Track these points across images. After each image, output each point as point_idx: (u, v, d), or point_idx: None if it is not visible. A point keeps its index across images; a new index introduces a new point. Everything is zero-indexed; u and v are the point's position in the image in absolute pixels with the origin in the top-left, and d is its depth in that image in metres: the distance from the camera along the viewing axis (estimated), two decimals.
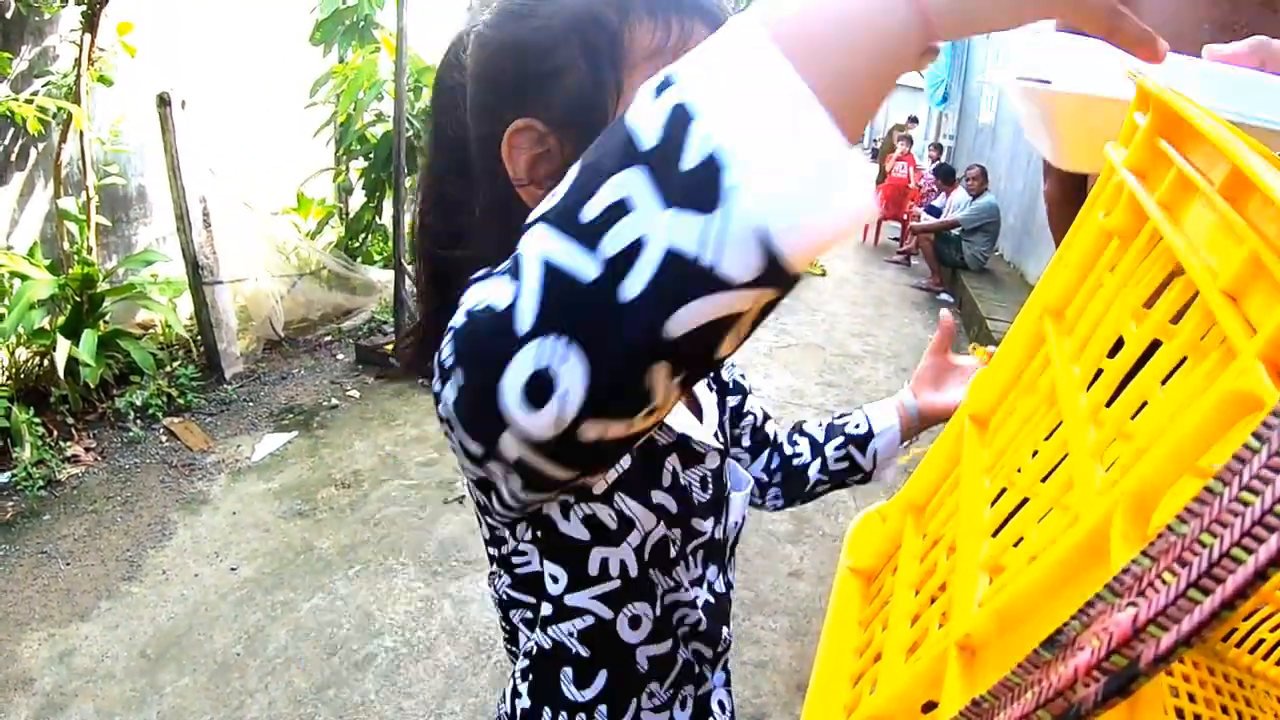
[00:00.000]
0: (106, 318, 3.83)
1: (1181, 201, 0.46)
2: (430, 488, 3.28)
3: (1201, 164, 0.46)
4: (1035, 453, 0.54)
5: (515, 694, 0.82)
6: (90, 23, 3.72)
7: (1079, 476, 0.44)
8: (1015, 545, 0.51)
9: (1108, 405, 0.49)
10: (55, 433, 3.40)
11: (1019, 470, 0.54)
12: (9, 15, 3.73)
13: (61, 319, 3.59)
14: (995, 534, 0.52)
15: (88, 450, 3.41)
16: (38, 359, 3.52)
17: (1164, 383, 0.46)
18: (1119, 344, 0.49)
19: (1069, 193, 1.56)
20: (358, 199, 5.24)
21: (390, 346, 4.44)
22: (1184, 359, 0.44)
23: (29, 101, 3.47)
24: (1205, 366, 0.40)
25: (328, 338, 4.81)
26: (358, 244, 5.17)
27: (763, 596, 2.79)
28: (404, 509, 3.12)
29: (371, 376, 4.35)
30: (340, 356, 4.60)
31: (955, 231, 7.93)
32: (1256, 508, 0.27)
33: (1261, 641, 0.83)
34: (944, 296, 7.78)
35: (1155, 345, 0.48)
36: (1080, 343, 0.53)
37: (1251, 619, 0.83)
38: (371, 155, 4.94)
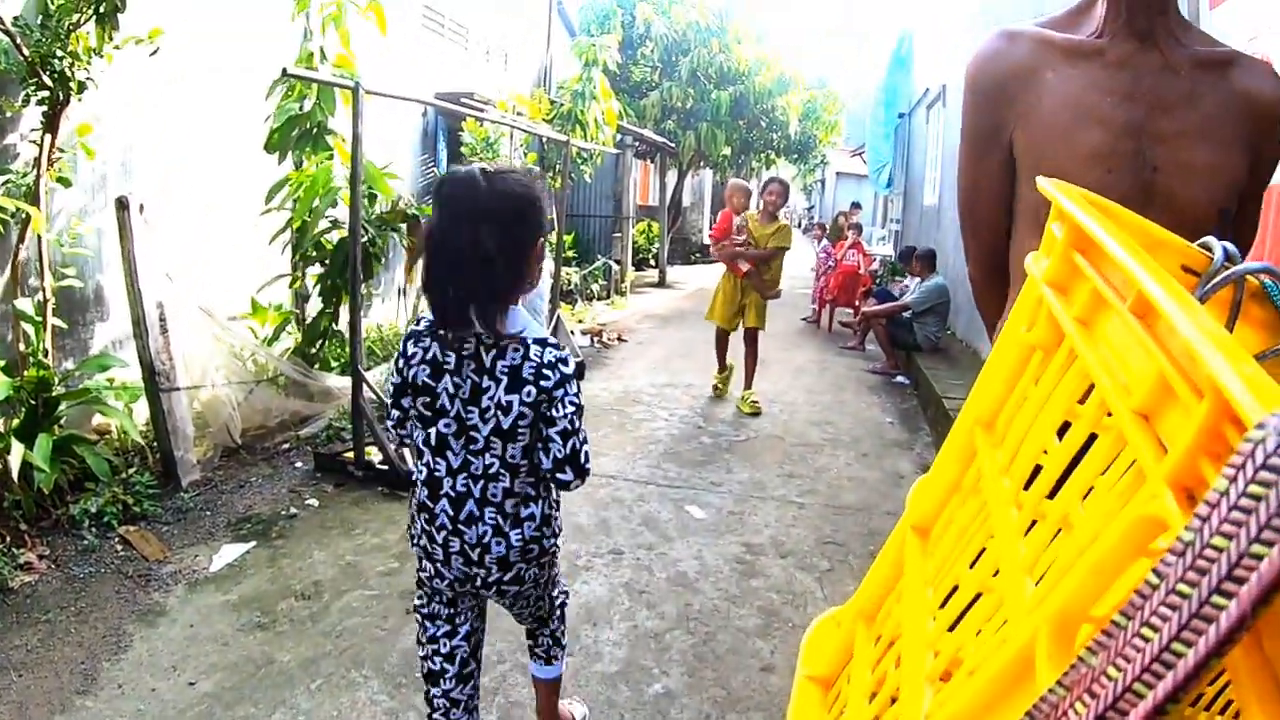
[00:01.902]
0: (62, 422, 3.78)
1: (1097, 316, 0.49)
2: (392, 598, 3.23)
3: (1116, 279, 0.49)
4: (974, 563, 0.55)
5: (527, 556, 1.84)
6: (51, 123, 3.76)
7: (1009, 593, 0.46)
8: (957, 656, 0.53)
9: (1034, 523, 0.52)
10: (8, 539, 3.32)
11: (955, 588, 0.55)
12: None
13: (16, 422, 3.54)
14: (938, 647, 0.54)
15: (41, 558, 3.33)
16: None
17: (1084, 498, 0.48)
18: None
19: (989, 274, 1.62)
20: (315, 305, 5.24)
21: (350, 454, 4.40)
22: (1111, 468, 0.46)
23: None
24: (1119, 487, 0.42)
25: (285, 445, 4.76)
26: (315, 350, 5.15)
27: (735, 694, 2.75)
28: (366, 620, 3.06)
29: (330, 485, 4.30)
30: (298, 464, 4.55)
31: (907, 315, 8.11)
32: (1155, 644, 0.29)
33: (1200, 695, 0.84)
34: (900, 379, 7.90)
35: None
36: (1010, 455, 0.55)
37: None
38: (328, 261, 4.97)
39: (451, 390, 1.73)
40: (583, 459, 1.75)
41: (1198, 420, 0.35)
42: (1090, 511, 0.46)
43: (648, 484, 4.55)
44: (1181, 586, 0.30)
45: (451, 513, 1.77)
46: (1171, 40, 1.33)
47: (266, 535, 3.71)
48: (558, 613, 2.25)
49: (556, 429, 1.72)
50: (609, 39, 11.44)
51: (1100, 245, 0.48)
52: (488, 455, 1.74)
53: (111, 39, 3.79)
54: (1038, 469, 0.53)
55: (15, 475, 3.29)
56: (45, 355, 3.76)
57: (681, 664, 2.90)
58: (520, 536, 1.80)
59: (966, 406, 0.62)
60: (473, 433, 1.73)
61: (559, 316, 7.34)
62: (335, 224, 5.02)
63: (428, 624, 1.95)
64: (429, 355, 1.74)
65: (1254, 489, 0.29)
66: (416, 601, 1.97)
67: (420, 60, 8.37)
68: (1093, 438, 0.49)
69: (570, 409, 1.74)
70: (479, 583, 1.83)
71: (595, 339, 8.92)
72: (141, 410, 4.20)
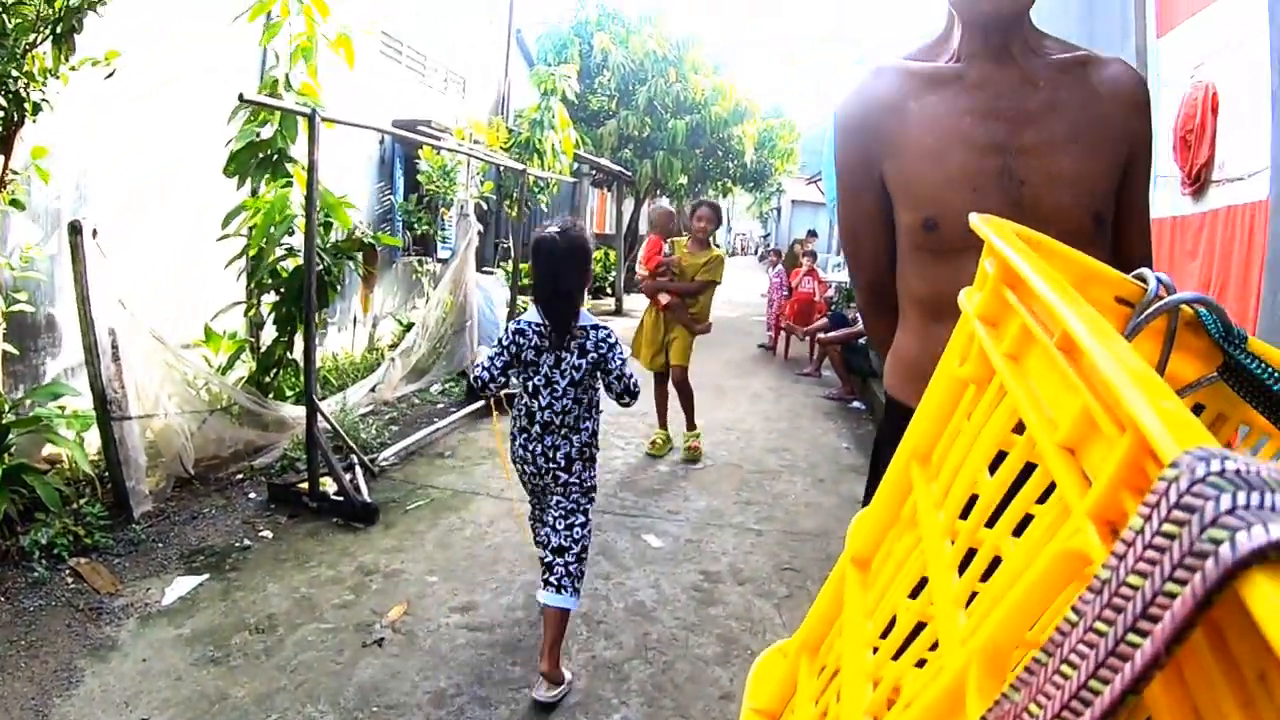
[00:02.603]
0: (11, 450, 3.70)
1: (1026, 351, 0.51)
2: (348, 631, 3.20)
3: (1044, 315, 0.51)
4: (914, 594, 0.57)
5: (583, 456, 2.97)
6: (4, 144, 3.69)
7: (942, 626, 0.48)
8: (898, 688, 0.55)
9: (968, 555, 0.54)
10: None
11: (893, 620, 0.57)
12: None
13: None
14: (879, 677, 0.56)
15: None
16: None
17: (1016, 534, 0.50)
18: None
19: (876, 301, 1.65)
20: (270, 333, 5.20)
21: (304, 485, 4.35)
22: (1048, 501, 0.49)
23: None
24: (1046, 520, 0.44)
25: (239, 475, 4.70)
26: (269, 379, 5.10)
27: None
28: (321, 654, 3.02)
29: (285, 516, 4.25)
30: (252, 495, 4.49)
31: (861, 340, 8.22)
32: (1073, 682, 0.31)
33: None
34: (856, 405, 7.99)
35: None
36: (944, 488, 0.57)
37: None
38: (283, 289, 4.93)
39: (546, 360, 2.89)
40: (633, 385, 2.93)
41: (1119, 455, 0.36)
42: (1020, 544, 0.48)
43: (604, 513, 4.54)
44: (1099, 624, 0.32)
45: (539, 431, 2.92)
46: (1027, 53, 1.37)
47: (220, 567, 3.66)
48: (576, 547, 2.95)
49: (614, 374, 2.90)
50: (567, 69, 11.55)
51: (1027, 281, 0.50)
52: (565, 397, 2.88)
53: (68, 60, 3.74)
54: (975, 500, 0.55)
55: None
56: None
57: (640, 694, 2.91)
58: (579, 441, 2.94)
59: (903, 440, 0.64)
60: (556, 384, 2.88)
61: None
62: (291, 252, 4.98)
63: (530, 505, 3.29)
64: (532, 342, 2.89)
65: (1168, 527, 0.30)
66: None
67: (378, 87, 8.37)
68: (1032, 467, 0.51)
69: (619, 361, 2.91)
70: (548, 475, 2.94)
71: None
72: (93, 439, 4.13)
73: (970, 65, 1.39)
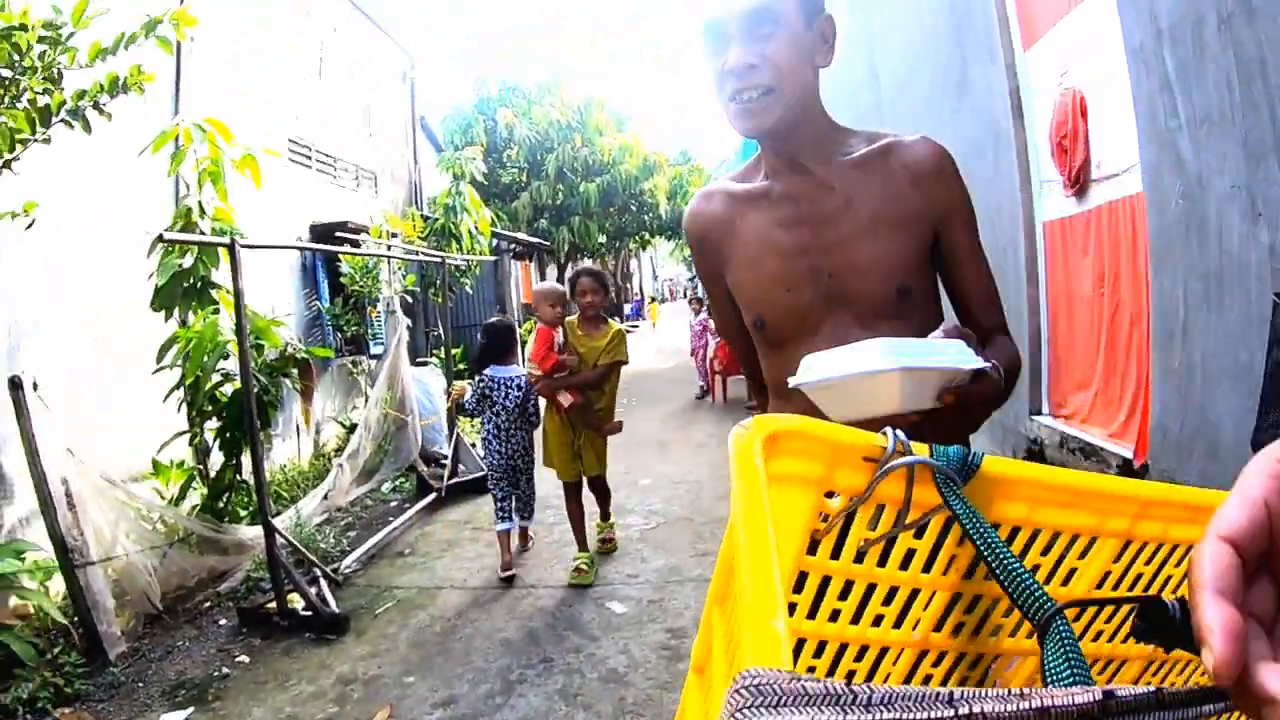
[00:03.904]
0: None
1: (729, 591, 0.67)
2: None
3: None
4: None
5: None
6: None
7: None
8: None
9: None
10: None
11: None
12: None
13: None
14: None
15: None
16: None
17: None
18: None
19: (751, 371, 1.89)
20: (216, 458, 5.29)
21: (272, 604, 4.44)
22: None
23: None
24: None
25: (207, 604, 4.77)
26: (222, 504, 5.19)
27: None
28: None
29: (258, 638, 4.33)
30: (222, 621, 4.57)
31: None
32: None
33: None
34: None
35: None
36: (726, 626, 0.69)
37: None
38: (224, 414, 5.05)
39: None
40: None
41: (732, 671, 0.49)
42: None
43: (566, 587, 4.71)
44: None
45: (502, 436, 4.93)
46: (821, 159, 1.57)
47: (203, 699, 3.74)
48: (529, 491, 5.26)
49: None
50: (472, 150, 11.85)
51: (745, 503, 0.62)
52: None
53: None
54: None
55: None
56: None
57: None
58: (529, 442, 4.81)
59: (710, 584, 0.77)
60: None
61: (458, 434, 7.45)
62: (228, 376, 5.10)
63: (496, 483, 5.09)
64: (493, 386, 4.92)
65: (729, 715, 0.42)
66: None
67: (291, 195, 8.50)
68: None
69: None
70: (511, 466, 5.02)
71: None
72: (56, 585, 4.18)
73: (775, 180, 1.62)
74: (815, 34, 1.51)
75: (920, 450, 0.76)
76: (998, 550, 0.71)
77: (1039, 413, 5.13)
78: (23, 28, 3.54)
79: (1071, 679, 0.60)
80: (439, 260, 8.16)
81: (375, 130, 11.33)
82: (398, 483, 7.43)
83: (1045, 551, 0.83)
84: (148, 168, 5.24)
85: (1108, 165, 4.01)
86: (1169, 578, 0.88)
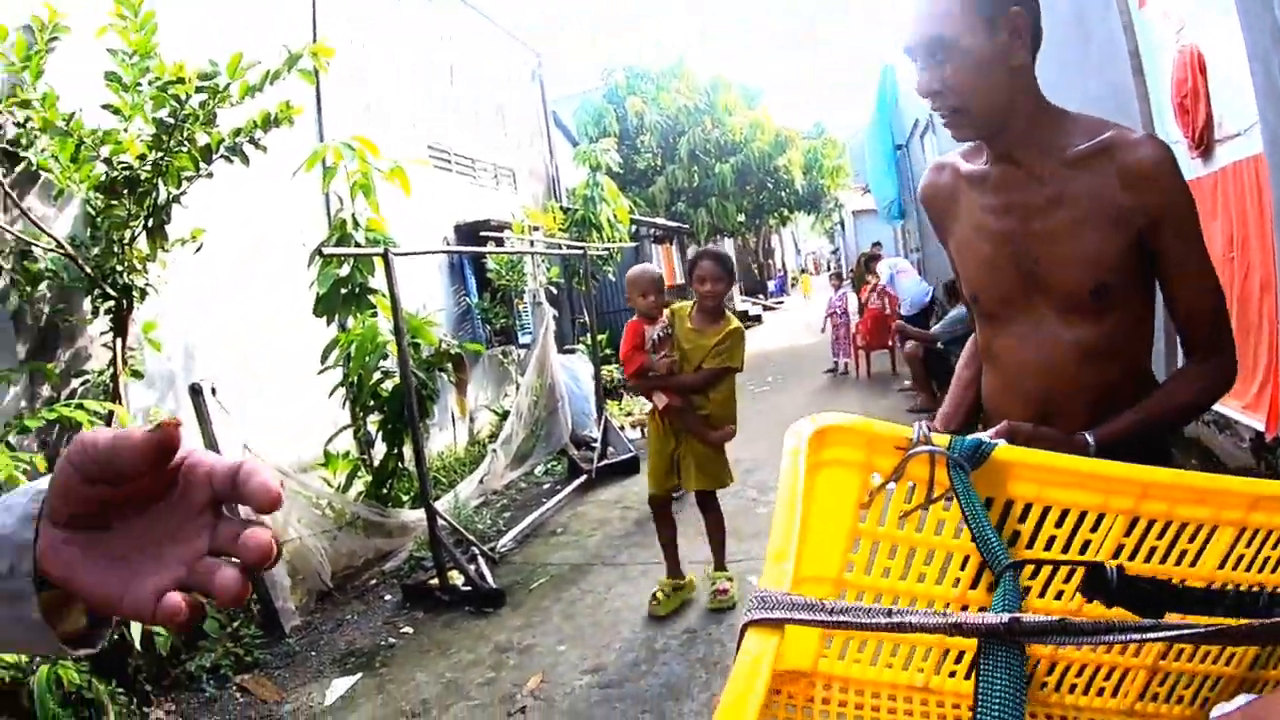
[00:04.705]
0: None
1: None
2: (493, 705, 3.53)
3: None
4: None
5: None
6: (120, 327, 4.18)
7: None
8: None
9: None
10: (135, 700, 3.65)
11: None
12: (43, 323, 4.22)
13: None
14: None
15: (169, 714, 3.68)
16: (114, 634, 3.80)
17: None
18: None
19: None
20: (379, 448, 5.63)
21: (434, 581, 4.73)
22: None
23: (80, 406, 3.79)
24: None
25: (373, 581, 5.11)
26: (385, 490, 5.52)
27: None
28: None
29: (420, 612, 4.63)
30: (387, 597, 4.89)
31: (939, 345, 8.31)
32: None
33: (1074, 686, 1.04)
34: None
35: None
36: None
37: (1059, 668, 1.04)
38: (385, 408, 5.37)
39: None
40: None
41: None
42: None
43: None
44: None
45: None
46: (1034, 153, 1.59)
47: (371, 665, 4.04)
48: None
49: None
50: (607, 142, 12.01)
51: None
52: None
53: (164, 247, 4.24)
54: None
55: (137, 641, 3.62)
56: None
57: None
58: None
59: None
60: None
61: (606, 417, 7.65)
62: (387, 374, 5.42)
63: None
64: None
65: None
66: None
67: (435, 197, 8.84)
68: None
69: None
70: None
71: (645, 431, 9.17)
72: None
73: (992, 169, 1.67)
74: (1001, 39, 1.50)
75: (940, 441, 0.93)
76: (978, 517, 0.88)
77: None
78: (180, 80, 3.90)
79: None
80: (580, 251, 8.35)
81: (510, 129, 11.65)
82: (550, 466, 7.69)
83: (1059, 524, 0.95)
84: (300, 186, 5.61)
85: (1229, 124, 3.76)
86: (1183, 552, 0.95)
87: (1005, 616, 0.70)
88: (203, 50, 4.18)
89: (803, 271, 43.30)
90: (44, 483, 0.56)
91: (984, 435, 1.21)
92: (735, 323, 4.16)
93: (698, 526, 4.41)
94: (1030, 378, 1.66)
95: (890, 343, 10.45)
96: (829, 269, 40.94)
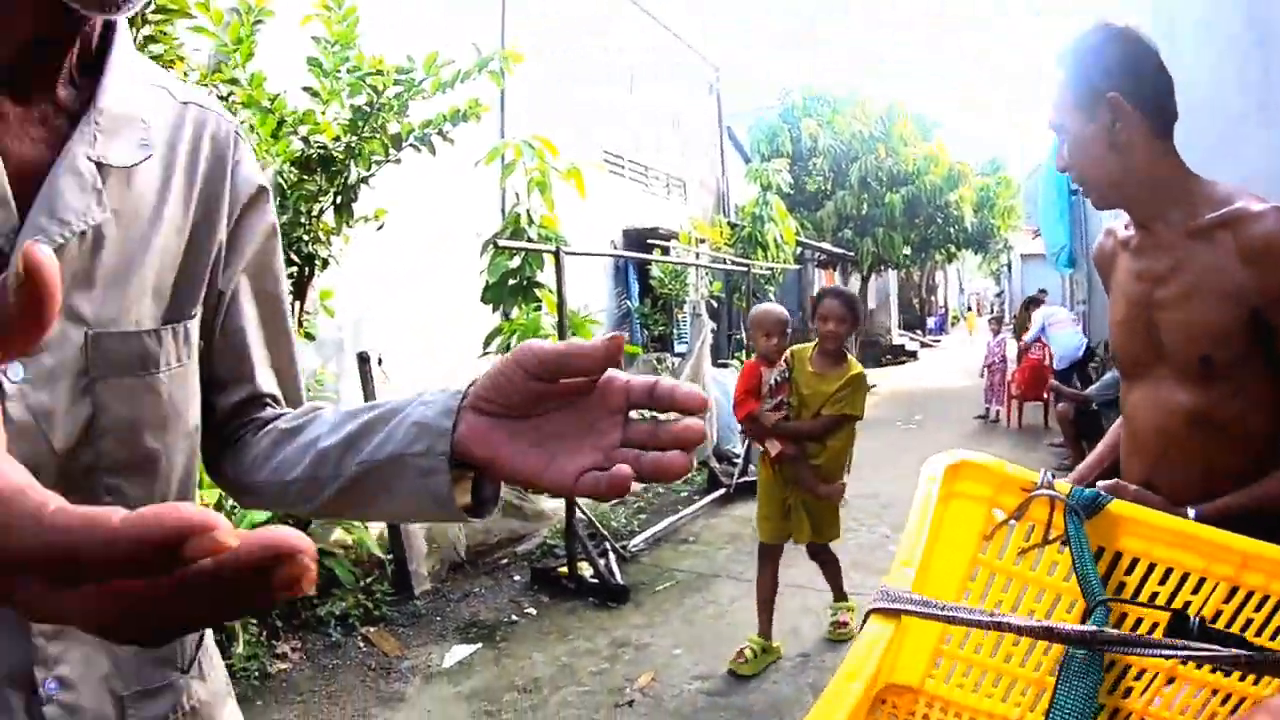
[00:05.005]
0: (312, 535, 4.38)
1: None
2: (603, 693, 3.60)
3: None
4: None
5: None
6: (300, 292, 4.45)
7: None
8: None
9: None
10: (265, 634, 3.89)
11: None
12: None
13: None
14: None
15: (294, 650, 3.90)
16: None
17: None
18: None
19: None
20: None
21: (563, 569, 4.86)
22: None
23: None
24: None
25: (504, 560, 5.27)
26: None
27: None
28: (580, 712, 3.43)
29: (546, 596, 4.75)
30: (516, 577, 5.04)
31: (1094, 406, 7.90)
32: None
33: None
34: None
35: None
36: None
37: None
38: None
39: None
40: None
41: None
42: None
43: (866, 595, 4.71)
44: None
45: None
46: (1161, 221, 1.65)
47: (491, 638, 4.18)
48: None
49: None
50: (780, 162, 12.00)
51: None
52: None
53: (349, 223, 4.52)
54: None
55: None
56: None
57: None
58: None
59: None
60: None
61: None
62: None
63: None
64: None
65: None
66: None
67: (606, 201, 9.04)
68: None
69: None
70: None
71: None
72: (377, 525, 4.77)
73: (1136, 235, 1.74)
74: (1100, 124, 1.62)
75: (1061, 488, 1.00)
76: (1083, 556, 0.95)
77: None
78: (379, 72, 4.17)
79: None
80: (745, 268, 8.38)
81: (684, 140, 11.79)
82: (690, 475, 7.71)
83: (1163, 581, 0.99)
84: (478, 179, 5.85)
85: None
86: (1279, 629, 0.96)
87: (1090, 626, 0.81)
88: (397, 43, 4.44)
89: (969, 310, 42.10)
90: (453, 389, 0.71)
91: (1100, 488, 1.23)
92: (857, 367, 3.92)
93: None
94: (1150, 438, 1.71)
95: (1045, 395, 9.98)
96: (991, 311, 39.56)
